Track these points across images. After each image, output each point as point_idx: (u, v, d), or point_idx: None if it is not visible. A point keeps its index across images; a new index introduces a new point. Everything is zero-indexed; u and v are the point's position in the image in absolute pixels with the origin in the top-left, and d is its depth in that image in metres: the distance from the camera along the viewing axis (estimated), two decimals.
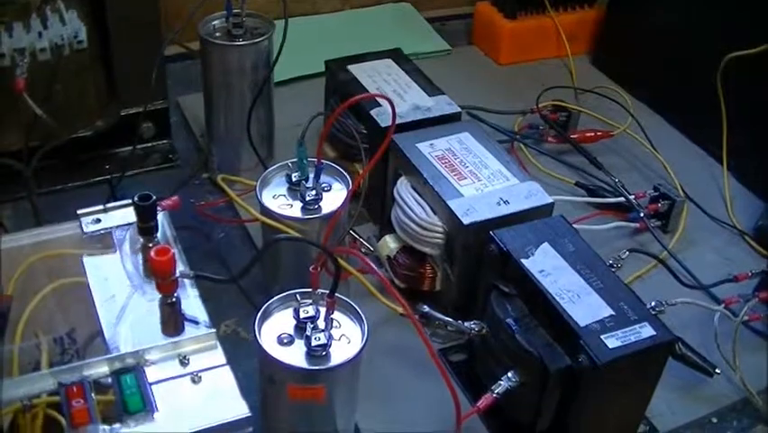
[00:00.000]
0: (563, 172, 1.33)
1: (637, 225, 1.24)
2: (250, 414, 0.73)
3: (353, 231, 1.13)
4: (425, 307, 0.95)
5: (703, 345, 1.08)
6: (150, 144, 1.31)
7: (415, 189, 1.08)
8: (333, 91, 1.25)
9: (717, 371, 1.03)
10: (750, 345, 1.11)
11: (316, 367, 0.81)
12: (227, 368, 0.77)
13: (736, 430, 1.04)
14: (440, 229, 1.04)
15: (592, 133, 1.37)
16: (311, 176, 1.00)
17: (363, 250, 1.13)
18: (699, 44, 1.39)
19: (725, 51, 1.28)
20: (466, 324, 0.96)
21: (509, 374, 0.91)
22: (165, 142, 1.32)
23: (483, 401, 0.91)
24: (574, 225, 1.12)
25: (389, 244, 1.10)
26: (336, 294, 0.82)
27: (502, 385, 0.91)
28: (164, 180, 1.27)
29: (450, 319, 0.96)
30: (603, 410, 0.91)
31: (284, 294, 0.85)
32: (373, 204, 1.19)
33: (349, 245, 1.10)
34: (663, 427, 1.02)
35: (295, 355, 0.81)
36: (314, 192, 0.98)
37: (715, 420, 1.04)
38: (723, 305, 1.09)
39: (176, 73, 1.44)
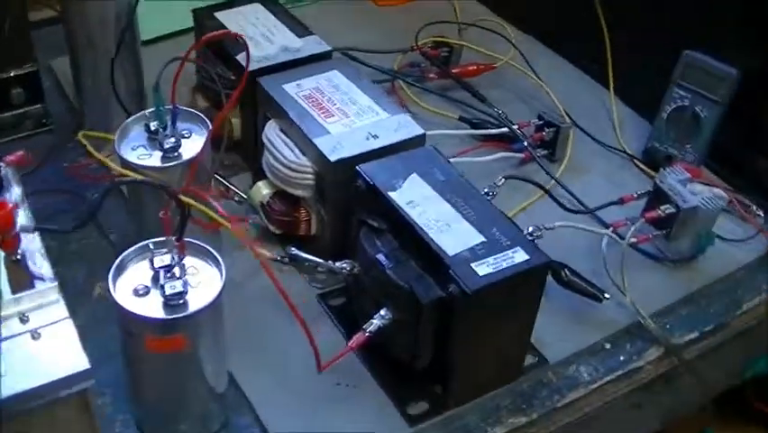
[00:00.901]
0: (446, 108, 1.29)
1: (522, 155, 1.21)
2: (88, 366, 0.69)
3: (224, 179, 1.08)
4: (293, 249, 0.92)
5: (592, 270, 1.05)
6: (22, 110, 1.24)
7: (283, 132, 1.04)
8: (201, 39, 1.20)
9: (607, 295, 1.01)
10: (641, 268, 1.09)
11: (172, 316, 0.77)
12: (68, 322, 0.73)
13: (630, 354, 1.01)
14: (309, 169, 1.00)
15: (474, 67, 1.34)
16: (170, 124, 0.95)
17: (237, 198, 1.08)
18: None
19: None
20: (337, 263, 0.93)
21: (382, 312, 0.88)
22: (38, 106, 1.25)
23: (355, 341, 0.87)
24: (457, 158, 1.10)
25: (262, 190, 1.05)
26: (194, 240, 0.79)
27: (374, 323, 0.88)
28: (38, 145, 1.21)
29: (319, 260, 0.92)
30: (482, 341, 0.88)
31: (138, 245, 0.81)
32: (248, 152, 1.15)
33: (218, 192, 1.06)
34: (554, 356, 0.99)
35: (151, 306, 0.78)
36: (172, 139, 0.93)
37: (608, 346, 1.02)
38: (611, 228, 1.06)
39: (48, 37, 1.36)
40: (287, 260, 0.91)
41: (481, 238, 0.86)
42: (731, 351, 1.10)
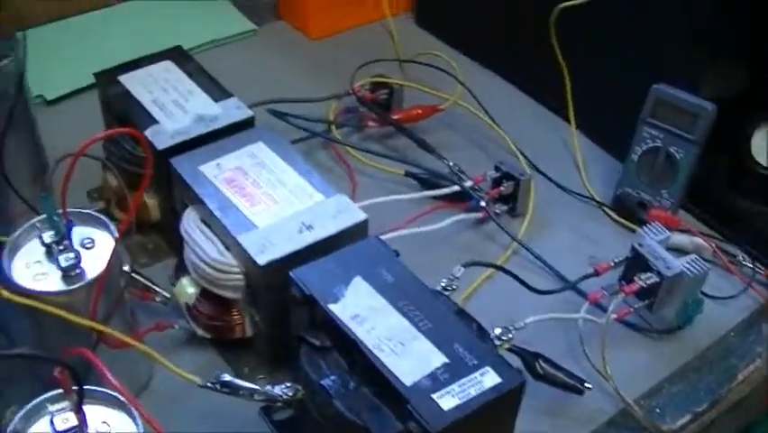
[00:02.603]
0: (389, 163, 1.14)
1: (480, 214, 1.07)
2: None
3: (142, 276, 0.93)
4: (225, 375, 0.78)
5: (568, 351, 0.94)
6: None
7: (204, 222, 0.89)
8: (106, 107, 1.05)
9: (588, 385, 0.88)
10: (623, 342, 0.98)
11: None
12: None
13: None
14: (236, 270, 0.86)
15: (419, 110, 1.20)
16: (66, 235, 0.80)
17: (159, 299, 0.94)
18: None
19: (555, 1, 1.10)
20: (276, 388, 0.79)
21: None
22: None
23: None
24: (406, 230, 0.97)
25: (187, 289, 0.91)
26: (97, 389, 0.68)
27: None
28: None
29: (256, 387, 0.78)
30: None
31: (31, 403, 0.68)
32: (169, 234, 1.01)
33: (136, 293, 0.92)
34: None
35: None
36: (71, 255, 0.78)
37: None
38: (587, 304, 0.93)
39: None
40: (218, 387, 0.77)
41: (443, 359, 0.73)
42: (725, 424, 0.99)
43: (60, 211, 0.78)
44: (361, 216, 0.87)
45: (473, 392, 0.71)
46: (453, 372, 0.72)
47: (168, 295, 0.94)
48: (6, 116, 0.95)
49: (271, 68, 1.33)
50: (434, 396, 0.70)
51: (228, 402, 0.80)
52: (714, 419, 0.95)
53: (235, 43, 1.40)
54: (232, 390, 0.78)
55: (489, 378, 0.72)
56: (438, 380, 0.71)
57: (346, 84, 1.19)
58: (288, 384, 0.79)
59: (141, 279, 0.94)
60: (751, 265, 1.05)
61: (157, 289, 0.94)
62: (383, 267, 0.80)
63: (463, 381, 0.71)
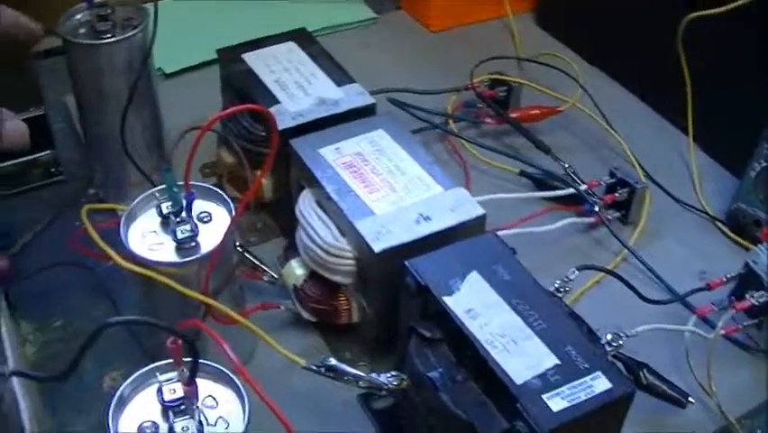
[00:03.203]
0: (505, 160, 1.14)
1: (592, 218, 1.06)
2: None
3: (252, 255, 0.95)
4: (332, 359, 0.78)
5: (673, 363, 0.92)
6: (29, 158, 1.09)
7: (319, 205, 0.90)
8: (227, 84, 1.06)
9: (691, 400, 0.87)
10: (728, 360, 0.95)
11: None
12: None
13: None
14: (350, 255, 0.86)
15: (537, 111, 1.19)
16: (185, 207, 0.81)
17: (266, 279, 0.95)
18: (658, 2, 1.20)
19: (686, 11, 1.08)
20: (382, 377, 0.79)
21: None
22: (47, 153, 1.10)
23: None
24: (519, 229, 0.96)
25: (295, 270, 0.92)
26: (210, 363, 0.68)
27: None
28: (48, 198, 1.08)
29: (361, 374, 0.78)
30: None
31: (141, 370, 0.68)
32: (281, 215, 1.01)
33: (245, 272, 0.93)
34: None
35: None
36: (187, 227, 0.79)
37: None
38: (695, 317, 0.92)
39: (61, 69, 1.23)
40: (323, 370, 0.77)
41: (555, 360, 0.72)
42: None
43: (181, 183, 0.79)
44: (480, 210, 0.87)
45: (583, 396, 0.70)
46: (564, 374, 0.71)
47: (275, 275, 0.95)
48: (130, 88, 0.97)
49: (390, 57, 1.33)
50: (544, 396, 0.70)
51: (327, 387, 0.81)
52: None
53: (355, 31, 1.41)
54: (337, 374, 0.78)
55: (599, 383, 0.71)
56: (549, 381, 0.71)
57: (465, 79, 1.19)
58: (394, 373, 0.79)
59: (251, 257, 0.95)
60: None
61: (265, 268, 0.95)
62: (500, 264, 0.80)
63: (574, 384, 0.71)
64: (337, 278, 0.88)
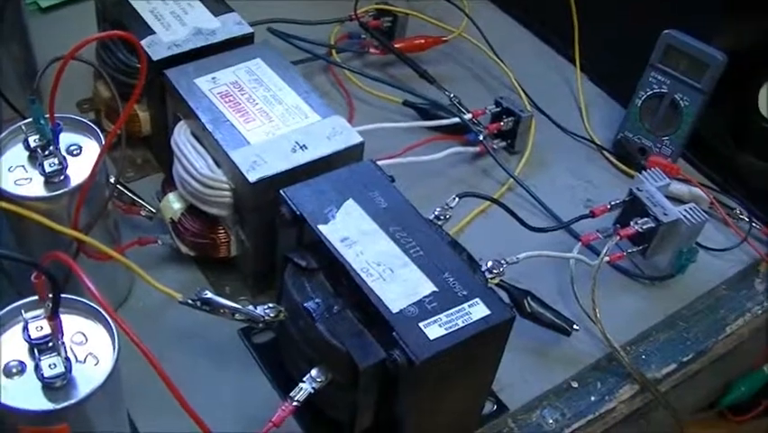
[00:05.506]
0: (389, 90, 1.11)
1: (477, 148, 1.05)
2: None
3: (129, 190, 0.91)
4: (207, 292, 0.76)
5: (560, 293, 0.93)
6: None
7: (195, 136, 0.87)
8: (102, 17, 1.02)
9: (576, 327, 0.87)
10: (613, 287, 0.96)
11: (51, 407, 0.61)
12: None
13: (601, 394, 0.88)
14: (226, 186, 0.84)
15: (422, 40, 1.17)
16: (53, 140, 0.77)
17: (144, 213, 0.91)
18: None
19: None
20: (259, 309, 0.77)
21: (313, 373, 0.72)
22: None
23: (279, 414, 0.71)
24: (401, 158, 0.95)
25: (173, 204, 0.89)
26: (77, 298, 0.65)
27: (304, 388, 0.72)
28: None
29: (237, 306, 0.76)
30: (433, 404, 0.74)
31: (8, 307, 0.65)
32: (160, 148, 0.98)
33: (122, 207, 0.90)
34: (514, 400, 0.85)
35: (27, 390, 0.62)
36: (55, 160, 0.76)
37: (575, 385, 0.88)
38: (579, 245, 0.91)
39: None
40: (198, 304, 0.75)
41: (432, 287, 0.71)
42: (709, 376, 0.98)
43: (47, 115, 0.75)
44: (357, 138, 0.85)
45: (461, 323, 0.69)
46: (442, 301, 0.70)
47: (153, 210, 0.92)
48: None
49: None
50: (421, 324, 0.68)
51: (207, 323, 0.79)
52: (698, 371, 0.94)
53: None
54: (212, 308, 0.76)
55: (477, 310, 0.70)
56: (426, 308, 0.70)
57: (349, 9, 1.16)
58: (271, 305, 0.77)
59: (127, 191, 0.91)
60: (748, 219, 1.03)
61: (142, 202, 0.92)
62: (377, 191, 0.78)
63: (452, 311, 0.70)
64: (214, 210, 0.86)
